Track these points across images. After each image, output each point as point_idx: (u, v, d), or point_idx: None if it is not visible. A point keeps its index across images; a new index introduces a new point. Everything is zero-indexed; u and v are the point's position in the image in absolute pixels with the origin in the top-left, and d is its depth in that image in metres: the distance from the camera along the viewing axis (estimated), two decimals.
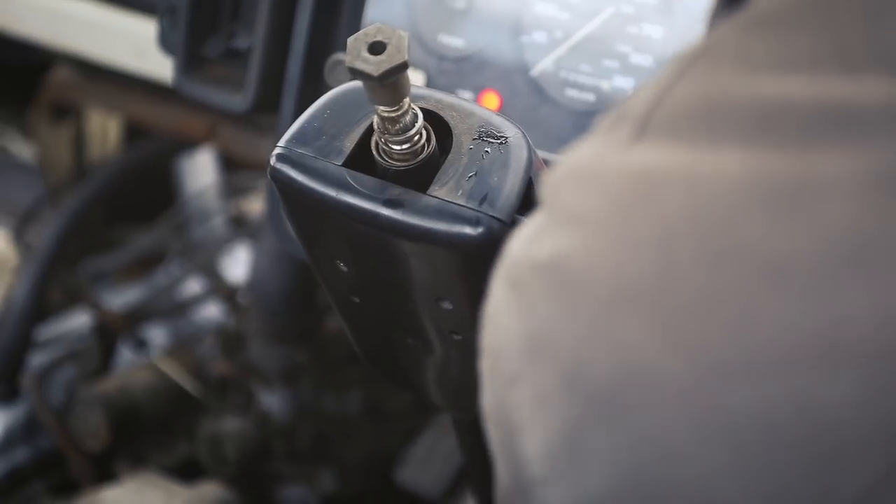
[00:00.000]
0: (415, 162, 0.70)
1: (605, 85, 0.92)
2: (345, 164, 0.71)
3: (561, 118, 0.94)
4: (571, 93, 0.93)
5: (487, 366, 0.50)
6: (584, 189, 0.45)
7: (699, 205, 0.41)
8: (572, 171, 0.47)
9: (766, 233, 0.39)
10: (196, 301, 1.68)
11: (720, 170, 0.41)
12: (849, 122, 0.40)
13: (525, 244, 0.47)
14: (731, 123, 0.42)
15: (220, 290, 1.67)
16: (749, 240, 0.40)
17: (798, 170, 0.40)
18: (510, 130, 0.71)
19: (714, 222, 0.40)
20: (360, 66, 0.63)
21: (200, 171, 1.78)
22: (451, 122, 0.71)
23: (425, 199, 0.69)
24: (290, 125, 1.01)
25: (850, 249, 0.38)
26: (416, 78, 0.98)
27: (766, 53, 0.43)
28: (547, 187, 0.49)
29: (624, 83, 0.91)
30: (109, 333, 1.58)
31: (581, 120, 0.93)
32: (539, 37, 0.94)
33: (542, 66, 0.94)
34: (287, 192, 0.73)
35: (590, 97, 0.93)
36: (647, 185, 0.43)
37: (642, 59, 0.91)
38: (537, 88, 0.94)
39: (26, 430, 1.55)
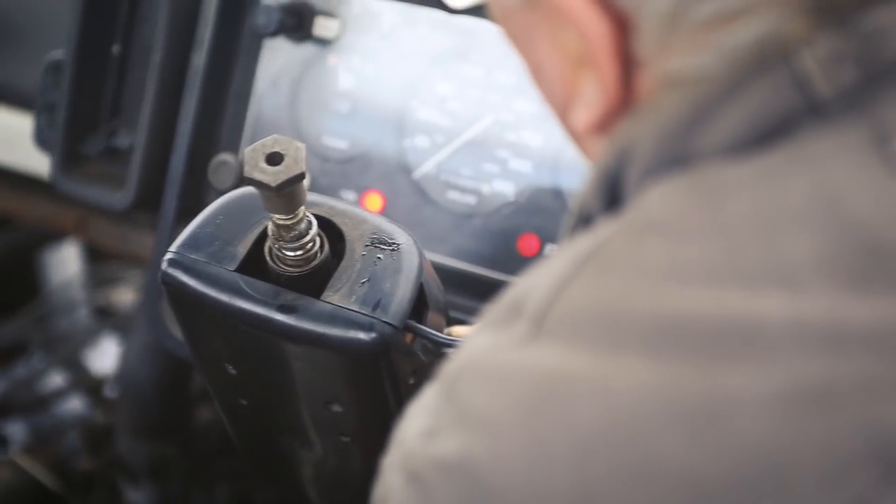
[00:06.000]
0: (308, 268, 0.71)
1: (485, 188, 0.95)
2: (238, 270, 0.71)
3: (442, 219, 0.96)
4: (453, 195, 0.96)
5: None
6: (487, 387, 0.44)
7: (613, 417, 0.41)
8: (472, 365, 0.46)
9: (684, 451, 0.39)
10: (59, 394, 1.63)
11: (629, 380, 0.41)
12: (753, 338, 0.40)
13: (422, 436, 0.46)
14: (635, 333, 0.42)
15: (85, 382, 1.63)
16: (668, 458, 0.40)
17: (709, 386, 0.40)
18: (401, 237, 0.72)
19: (631, 438, 0.40)
20: (258, 176, 0.64)
21: (65, 262, 1.75)
22: (344, 229, 0.73)
23: (319, 305, 0.70)
24: (172, 223, 1.02)
25: (767, 469, 0.39)
26: None
27: (661, 262, 0.43)
28: (445, 379, 0.47)
29: (504, 187, 0.94)
30: None
31: (462, 221, 0.95)
32: (421, 141, 0.97)
33: (424, 168, 0.97)
34: (178, 297, 0.73)
35: (471, 200, 0.95)
36: (555, 390, 0.42)
37: (521, 165, 0.94)
38: (419, 190, 0.97)
39: None
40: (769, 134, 0.44)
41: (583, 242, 0.46)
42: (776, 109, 0.44)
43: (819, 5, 0.44)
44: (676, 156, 0.45)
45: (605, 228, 0.46)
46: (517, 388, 0.43)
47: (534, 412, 0.42)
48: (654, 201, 0.45)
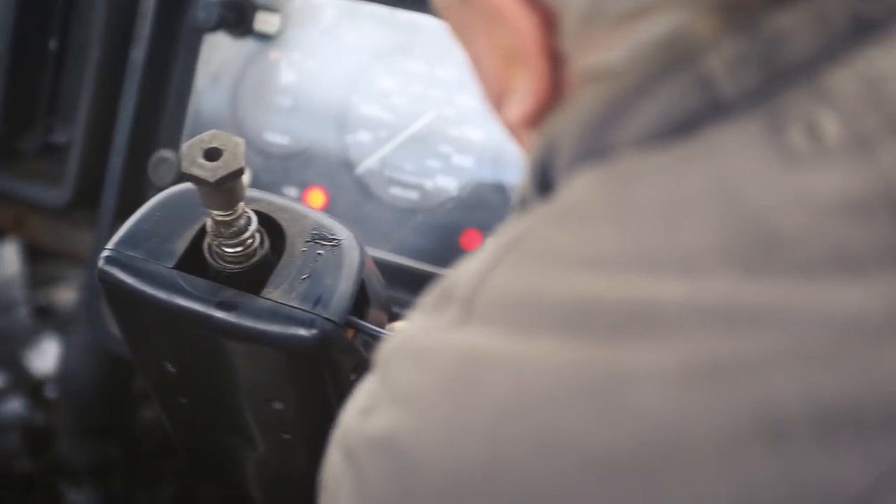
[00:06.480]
0: (248, 264, 0.70)
1: (428, 184, 0.95)
2: (176, 267, 0.70)
3: (385, 215, 0.96)
4: (395, 191, 0.96)
5: None
6: (415, 366, 0.46)
7: (523, 393, 0.43)
8: (404, 346, 0.48)
9: (585, 425, 0.41)
10: None
11: (541, 359, 0.43)
12: (654, 319, 0.42)
13: (359, 414, 0.48)
14: (548, 316, 0.44)
15: (25, 383, 1.61)
16: (570, 431, 0.42)
17: (610, 363, 0.42)
18: (342, 233, 0.72)
19: (538, 412, 0.42)
20: (196, 171, 0.64)
21: (4, 261, 1.72)
22: (284, 225, 0.72)
23: (259, 302, 0.69)
24: (111, 220, 1.01)
25: (662, 442, 0.41)
26: None
27: (572, 249, 0.45)
28: (380, 360, 0.49)
29: (446, 182, 0.94)
30: None
31: (405, 217, 0.95)
32: (364, 136, 0.96)
33: (366, 164, 0.96)
34: (116, 295, 0.72)
35: (413, 195, 0.95)
36: (474, 368, 0.44)
37: (463, 160, 0.94)
38: (362, 186, 0.96)
39: None
40: (677, 129, 0.45)
41: (509, 230, 0.48)
42: (683, 107, 0.45)
43: (725, 5, 0.45)
44: (595, 148, 0.47)
45: (529, 217, 0.48)
46: (440, 367, 0.45)
47: (453, 388, 0.44)
48: (571, 191, 0.47)
